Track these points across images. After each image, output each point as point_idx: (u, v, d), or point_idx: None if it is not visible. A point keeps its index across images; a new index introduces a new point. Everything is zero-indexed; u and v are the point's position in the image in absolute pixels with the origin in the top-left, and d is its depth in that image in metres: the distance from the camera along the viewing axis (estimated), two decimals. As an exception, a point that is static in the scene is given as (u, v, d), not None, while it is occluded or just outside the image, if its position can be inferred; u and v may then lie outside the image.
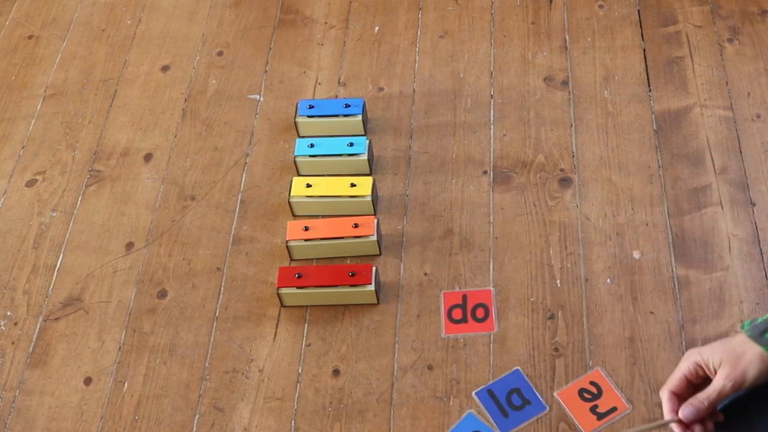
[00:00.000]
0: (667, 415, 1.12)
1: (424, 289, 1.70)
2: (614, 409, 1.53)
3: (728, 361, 1.12)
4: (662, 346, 1.59)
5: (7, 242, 1.84)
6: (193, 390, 1.62)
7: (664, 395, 1.14)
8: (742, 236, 1.71)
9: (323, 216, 1.81)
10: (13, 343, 1.70)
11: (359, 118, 1.89)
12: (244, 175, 1.90)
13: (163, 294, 1.74)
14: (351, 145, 1.84)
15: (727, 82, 1.95)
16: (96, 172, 1.94)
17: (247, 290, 1.73)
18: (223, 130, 1.98)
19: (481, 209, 1.80)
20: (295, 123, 1.92)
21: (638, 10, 2.10)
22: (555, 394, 1.55)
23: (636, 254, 1.70)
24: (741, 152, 1.83)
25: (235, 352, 1.66)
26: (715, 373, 1.13)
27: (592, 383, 1.56)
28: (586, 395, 1.54)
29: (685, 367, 1.15)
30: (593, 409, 1.53)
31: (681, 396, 1.14)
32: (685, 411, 1.11)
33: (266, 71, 2.08)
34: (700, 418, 1.12)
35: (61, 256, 1.81)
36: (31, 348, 1.69)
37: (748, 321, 1.19)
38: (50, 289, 1.77)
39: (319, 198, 1.80)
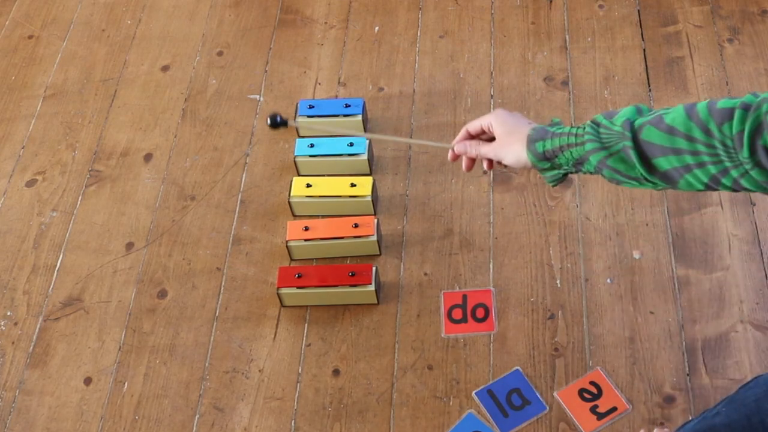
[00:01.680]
0: (454, 142, 1.42)
1: (424, 289, 1.70)
2: (614, 409, 1.53)
3: (500, 139, 1.37)
4: (662, 346, 1.59)
5: (7, 242, 1.84)
6: (193, 390, 1.62)
7: (462, 130, 1.42)
8: (742, 236, 1.71)
9: (323, 216, 1.81)
10: (13, 343, 1.70)
11: (359, 118, 1.89)
12: (244, 175, 1.90)
13: (163, 294, 1.74)
14: (351, 145, 1.84)
15: (727, 82, 1.95)
16: (96, 172, 1.94)
17: (247, 290, 1.73)
18: (223, 130, 1.98)
19: (481, 209, 1.80)
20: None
21: (638, 10, 2.10)
22: (555, 394, 1.55)
23: (636, 254, 1.70)
24: (741, 152, 1.83)
25: (235, 352, 1.66)
26: (493, 139, 1.40)
27: (592, 383, 1.56)
28: (586, 395, 1.54)
29: (483, 122, 1.40)
30: (593, 409, 1.53)
31: (472, 137, 1.42)
32: (458, 146, 1.41)
33: (266, 71, 2.08)
34: (466, 157, 1.43)
35: (61, 256, 1.81)
36: (31, 348, 1.70)
37: (556, 119, 1.35)
38: (50, 289, 1.77)
39: (319, 198, 1.80)
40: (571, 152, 1.27)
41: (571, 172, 1.30)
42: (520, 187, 1.82)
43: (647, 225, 1.74)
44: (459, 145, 1.41)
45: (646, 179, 1.21)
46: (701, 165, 1.16)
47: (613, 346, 1.60)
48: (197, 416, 1.59)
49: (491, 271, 1.71)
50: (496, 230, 1.77)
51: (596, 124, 1.25)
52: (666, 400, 1.53)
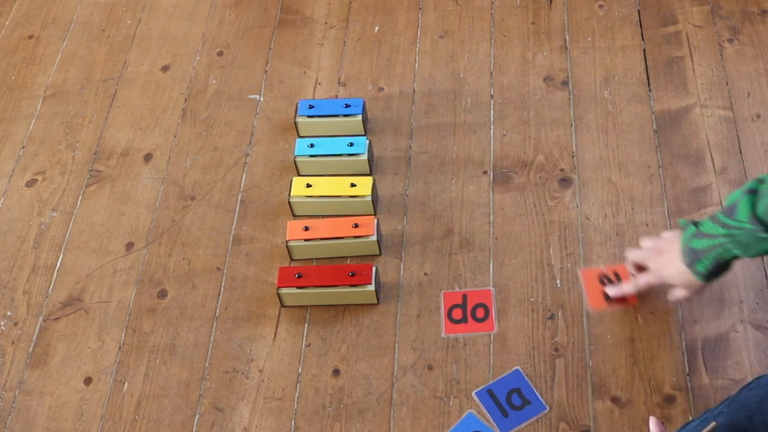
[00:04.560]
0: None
1: (424, 289, 1.70)
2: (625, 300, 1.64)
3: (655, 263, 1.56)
4: (662, 346, 1.59)
5: (7, 242, 1.84)
6: (193, 390, 1.62)
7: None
8: (742, 236, 1.71)
9: (323, 216, 1.81)
10: (13, 343, 1.70)
11: (359, 118, 1.89)
12: (244, 175, 1.90)
13: (163, 294, 1.74)
14: (351, 145, 1.84)
15: (727, 82, 1.95)
16: (96, 172, 1.94)
17: (247, 290, 1.73)
18: (223, 130, 1.98)
19: (481, 209, 1.80)
20: (295, 123, 1.92)
21: (638, 10, 2.10)
22: (578, 270, 1.68)
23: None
24: (741, 152, 1.83)
25: (235, 352, 1.66)
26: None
27: (615, 274, 1.66)
28: (606, 280, 1.65)
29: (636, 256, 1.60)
30: (605, 295, 1.64)
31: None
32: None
33: (266, 71, 2.08)
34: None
35: (61, 256, 1.81)
36: (31, 348, 1.69)
37: (682, 222, 1.49)
38: (50, 289, 1.77)
39: (319, 198, 1.80)
40: (725, 259, 1.41)
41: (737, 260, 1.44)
42: (520, 187, 1.82)
43: (647, 225, 1.74)
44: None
45: None
46: None
47: (613, 346, 1.60)
48: (197, 416, 1.59)
49: (491, 271, 1.71)
50: (496, 230, 1.77)
51: (726, 227, 1.35)
52: (666, 400, 1.53)
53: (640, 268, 1.60)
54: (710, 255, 1.41)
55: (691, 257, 1.43)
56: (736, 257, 1.40)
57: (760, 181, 1.31)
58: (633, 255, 1.61)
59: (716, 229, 1.37)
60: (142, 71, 2.11)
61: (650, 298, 1.64)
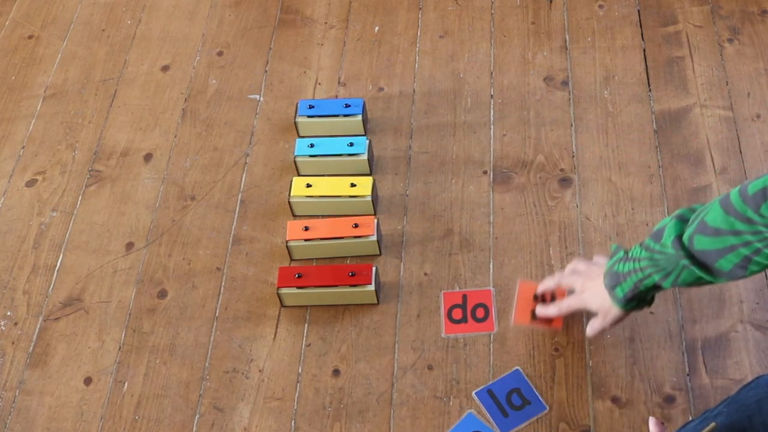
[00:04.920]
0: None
1: (424, 289, 1.70)
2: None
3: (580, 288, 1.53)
4: (662, 346, 1.59)
5: (7, 242, 1.84)
6: (193, 390, 1.62)
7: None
8: (742, 236, 1.71)
9: (323, 216, 1.81)
10: (13, 343, 1.70)
11: (359, 118, 1.89)
12: (244, 175, 1.90)
13: (163, 294, 1.74)
14: (351, 145, 1.84)
15: (727, 82, 1.95)
16: (96, 172, 1.94)
17: (247, 290, 1.73)
18: (223, 130, 1.98)
19: (481, 209, 1.80)
20: (295, 123, 1.92)
21: (638, 10, 2.10)
22: (517, 281, 1.66)
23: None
24: (741, 152, 1.83)
25: (235, 352, 1.66)
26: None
27: (552, 295, 1.64)
28: (539, 298, 1.64)
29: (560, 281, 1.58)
30: (532, 312, 1.62)
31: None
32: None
33: (266, 71, 2.08)
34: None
35: (61, 256, 1.81)
36: (31, 348, 1.70)
37: (613, 246, 1.46)
38: (50, 289, 1.77)
39: (319, 198, 1.80)
40: (645, 285, 1.35)
41: (657, 293, 1.41)
42: (520, 187, 1.82)
43: (647, 225, 1.74)
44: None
45: (716, 281, 1.28)
46: (757, 252, 1.19)
47: (613, 346, 1.60)
48: (197, 416, 1.59)
49: (491, 271, 1.71)
50: (496, 230, 1.77)
51: (650, 250, 1.32)
52: (666, 400, 1.53)
53: (561, 292, 1.58)
54: (630, 279, 1.37)
55: (613, 281, 1.40)
56: (655, 285, 1.36)
57: (692, 210, 1.29)
58: (563, 279, 1.56)
59: (641, 253, 1.35)
60: (142, 71, 2.11)
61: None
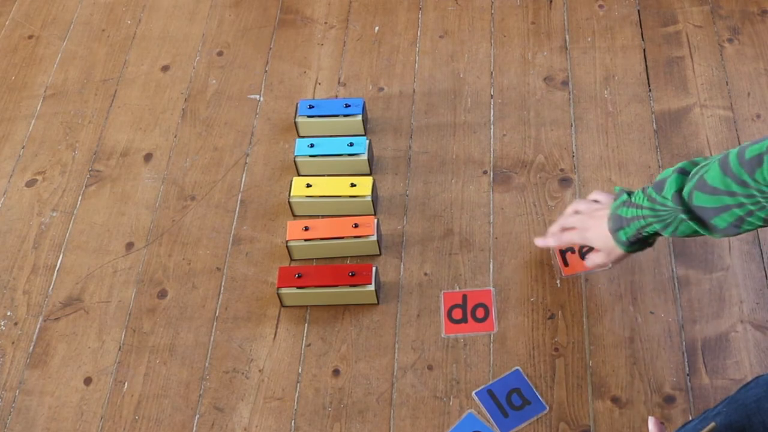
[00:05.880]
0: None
1: (424, 289, 1.70)
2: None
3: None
4: (662, 346, 1.59)
5: (7, 242, 1.84)
6: (193, 390, 1.62)
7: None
8: (742, 236, 1.71)
9: (323, 216, 1.81)
10: (13, 343, 1.70)
11: (359, 118, 1.89)
12: (244, 175, 1.90)
13: (163, 294, 1.74)
14: (351, 145, 1.84)
15: (727, 82, 1.95)
16: (96, 172, 1.94)
17: (247, 290, 1.73)
18: (223, 130, 1.98)
19: (481, 209, 1.80)
20: (295, 123, 1.92)
21: (638, 10, 2.10)
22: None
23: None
24: (741, 152, 1.83)
25: (235, 352, 1.66)
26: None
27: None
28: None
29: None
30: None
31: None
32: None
33: (266, 71, 2.08)
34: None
35: (61, 256, 1.81)
36: (31, 348, 1.70)
37: (617, 188, 1.50)
38: (50, 289, 1.77)
39: (319, 198, 1.80)
40: (647, 231, 1.43)
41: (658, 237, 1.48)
42: (520, 187, 1.82)
43: (647, 225, 1.74)
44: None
45: (712, 236, 1.33)
46: (750, 214, 1.25)
47: (613, 346, 1.60)
48: (197, 416, 1.59)
49: (491, 271, 1.71)
50: (496, 230, 1.77)
51: (651, 200, 1.37)
52: (666, 400, 1.53)
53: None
54: (634, 225, 1.43)
55: (617, 224, 1.46)
56: (657, 233, 1.43)
57: (693, 163, 1.33)
58: (565, 220, 1.61)
59: (644, 201, 1.40)
60: (142, 71, 2.11)
61: (650, 297, 1.64)
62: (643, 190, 1.41)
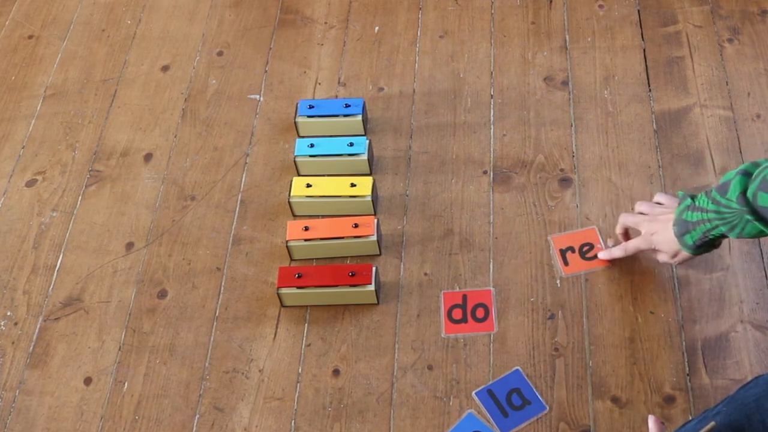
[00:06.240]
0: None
1: (424, 289, 1.70)
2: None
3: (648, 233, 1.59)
4: (662, 346, 1.59)
5: (7, 242, 1.84)
6: (193, 390, 1.62)
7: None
8: (742, 236, 1.71)
9: (323, 216, 1.81)
10: (13, 343, 1.71)
11: (359, 118, 1.90)
12: (244, 175, 1.90)
13: (163, 294, 1.74)
14: (351, 145, 1.84)
15: (727, 82, 1.95)
16: (96, 172, 1.94)
17: (247, 290, 1.73)
18: (223, 130, 1.98)
19: (481, 209, 1.80)
20: (295, 123, 1.92)
21: (638, 10, 2.10)
22: (549, 237, 1.71)
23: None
24: (741, 152, 1.83)
25: (235, 352, 1.66)
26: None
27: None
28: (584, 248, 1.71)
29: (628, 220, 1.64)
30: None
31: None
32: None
33: (266, 71, 2.08)
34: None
35: (61, 256, 1.81)
36: (31, 348, 1.70)
37: (680, 193, 1.52)
38: (50, 289, 1.77)
39: (319, 198, 1.80)
40: (713, 234, 1.44)
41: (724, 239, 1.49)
42: (520, 187, 1.82)
43: (647, 225, 1.74)
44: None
45: None
46: None
47: (613, 346, 1.60)
48: (197, 416, 1.59)
49: (491, 271, 1.71)
50: (496, 230, 1.77)
51: (716, 203, 1.39)
52: (666, 400, 1.53)
53: (626, 235, 1.65)
54: (699, 229, 1.45)
55: (682, 228, 1.48)
56: (723, 235, 1.43)
57: (756, 164, 1.34)
58: (627, 219, 1.63)
59: (708, 204, 1.41)
60: (142, 71, 2.11)
61: (650, 297, 1.64)
62: (707, 194, 1.42)
